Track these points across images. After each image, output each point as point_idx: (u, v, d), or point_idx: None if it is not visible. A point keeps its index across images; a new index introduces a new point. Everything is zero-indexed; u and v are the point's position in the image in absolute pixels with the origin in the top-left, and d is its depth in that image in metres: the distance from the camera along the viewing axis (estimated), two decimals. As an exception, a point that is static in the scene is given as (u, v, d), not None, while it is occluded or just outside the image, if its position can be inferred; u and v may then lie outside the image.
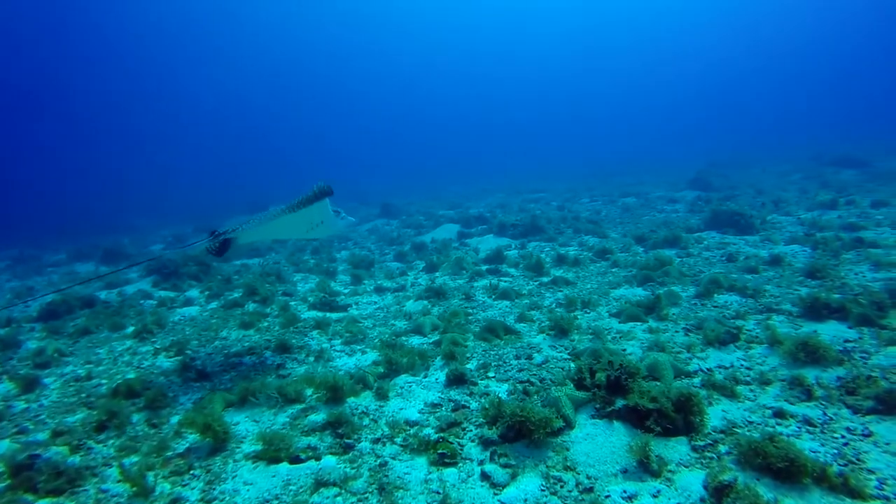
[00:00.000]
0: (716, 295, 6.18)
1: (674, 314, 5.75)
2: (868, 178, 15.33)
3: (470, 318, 6.47)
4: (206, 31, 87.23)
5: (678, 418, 3.45)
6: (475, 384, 4.51)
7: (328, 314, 7.34)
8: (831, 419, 3.51)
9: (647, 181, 21.54)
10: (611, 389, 3.86)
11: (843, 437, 3.30)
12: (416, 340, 5.93)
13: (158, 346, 6.51)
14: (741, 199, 14.27)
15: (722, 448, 3.27)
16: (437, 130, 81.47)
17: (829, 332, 4.88)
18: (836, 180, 15.38)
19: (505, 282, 8.23)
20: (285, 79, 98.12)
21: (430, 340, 5.83)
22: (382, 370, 4.93)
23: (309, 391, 4.59)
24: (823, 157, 19.98)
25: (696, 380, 4.27)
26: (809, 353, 4.26)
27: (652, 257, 7.90)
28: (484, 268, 9.34)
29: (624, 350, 4.96)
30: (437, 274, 9.62)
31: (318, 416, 4.14)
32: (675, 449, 3.30)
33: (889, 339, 4.51)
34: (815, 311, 5.22)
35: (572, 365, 4.57)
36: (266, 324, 7.07)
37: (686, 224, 11.09)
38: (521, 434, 3.47)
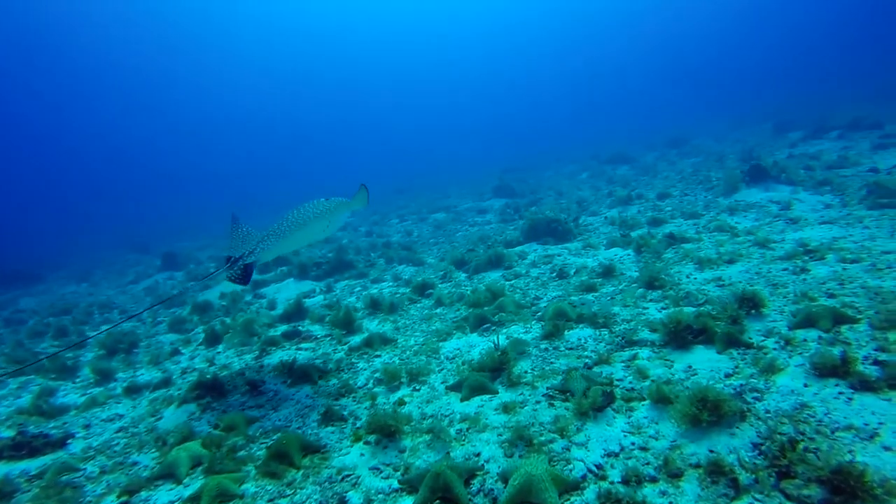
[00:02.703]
0: (566, 331, 5.06)
1: (527, 372, 4.41)
2: (639, 171, 16.80)
3: (253, 433, 4.35)
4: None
5: None
6: None
7: (22, 464, 4.52)
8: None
9: (452, 193, 21.26)
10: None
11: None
12: (163, 499, 3.63)
13: None
14: (545, 201, 14.36)
15: None
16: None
17: (703, 364, 3.98)
18: (617, 176, 16.54)
19: (305, 351, 6.23)
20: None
21: (187, 494, 3.59)
22: None
23: None
24: (601, 155, 21.90)
25: (589, 493, 2.88)
26: (712, 411, 3.18)
27: (481, 290, 6.65)
28: (280, 330, 7.21)
29: (478, 457, 3.40)
30: (220, 348, 7.20)
31: None
32: None
33: (766, 365, 3.70)
34: (679, 337, 4.33)
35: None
36: None
37: (504, 237, 10.34)
38: None
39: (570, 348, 4.74)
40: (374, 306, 7.38)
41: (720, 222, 7.84)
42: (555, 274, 7.21)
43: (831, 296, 4.64)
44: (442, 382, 4.61)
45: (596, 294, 6.04)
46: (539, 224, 9.27)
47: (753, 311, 4.53)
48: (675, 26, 78.84)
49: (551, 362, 4.53)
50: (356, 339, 6.23)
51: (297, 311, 7.95)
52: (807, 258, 5.72)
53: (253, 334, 7.34)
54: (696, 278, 5.85)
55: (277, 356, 6.26)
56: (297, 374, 5.33)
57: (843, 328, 4.01)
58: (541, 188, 17.16)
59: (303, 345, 6.54)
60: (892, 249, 5.59)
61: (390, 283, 8.98)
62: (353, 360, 5.63)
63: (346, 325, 6.66)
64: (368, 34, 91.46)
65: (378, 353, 5.68)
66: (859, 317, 4.12)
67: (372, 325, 6.77)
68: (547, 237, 9.14)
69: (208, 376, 5.58)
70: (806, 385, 3.38)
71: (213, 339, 7.56)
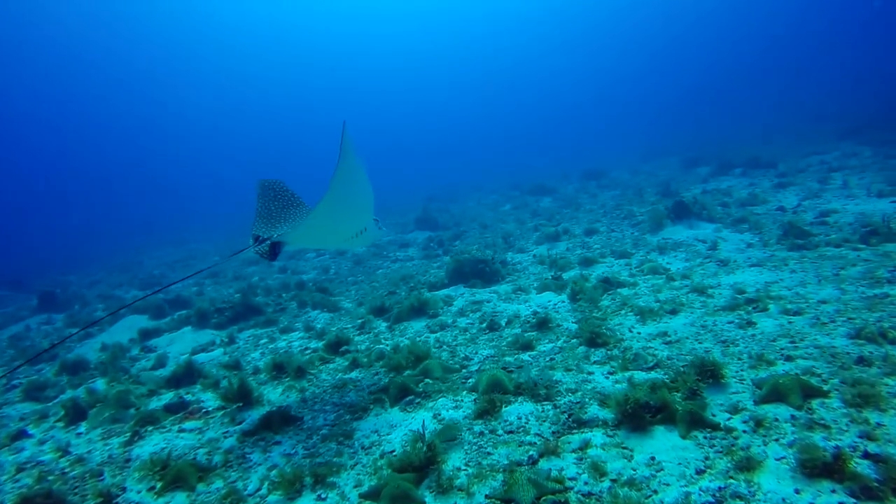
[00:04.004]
0: (503, 407, 4.28)
1: (460, 470, 3.56)
2: (562, 204, 16.80)
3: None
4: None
5: None
6: None
7: None
8: None
9: (374, 223, 20.27)
10: None
11: None
12: None
13: None
14: (470, 235, 13.81)
15: None
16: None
17: (668, 454, 3.34)
18: (541, 208, 16.41)
19: (188, 434, 5.02)
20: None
21: None
22: None
23: None
24: (522, 185, 21.93)
25: None
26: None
27: (403, 348, 5.78)
28: (165, 400, 5.93)
29: None
30: (84, 427, 5.78)
31: None
32: None
33: (743, 459, 3.10)
34: (635, 417, 3.68)
35: None
36: None
37: (428, 278, 9.55)
38: None
39: (510, 431, 3.96)
40: (279, 369, 6.25)
41: (653, 264, 7.53)
42: (485, 325, 6.48)
43: (788, 358, 4.23)
44: (355, 486, 3.64)
45: (533, 353, 5.35)
46: (465, 265, 8.58)
47: (711, 380, 4.00)
48: (588, 64, 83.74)
49: (489, 453, 3.71)
50: (254, 416, 5.11)
51: (186, 374, 6.64)
52: (750, 309, 5.39)
53: (128, 406, 5.97)
54: (640, 333, 5.33)
55: (153, 441, 4.98)
56: (171, 477, 4.12)
57: (815, 403, 3.54)
58: (464, 220, 16.66)
59: (187, 424, 5.29)
60: (826, 298, 5.40)
61: (301, 334, 7.87)
62: (246, 449, 4.50)
63: (244, 394, 5.49)
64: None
65: (278, 437, 4.60)
66: (826, 388, 3.69)
67: (275, 395, 5.66)
68: (474, 279, 8.45)
69: (41, 487, 4.22)
70: (798, 491, 2.80)
71: (75, 415, 6.07)
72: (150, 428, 5.26)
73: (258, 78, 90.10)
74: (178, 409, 5.72)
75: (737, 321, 5.16)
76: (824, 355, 4.18)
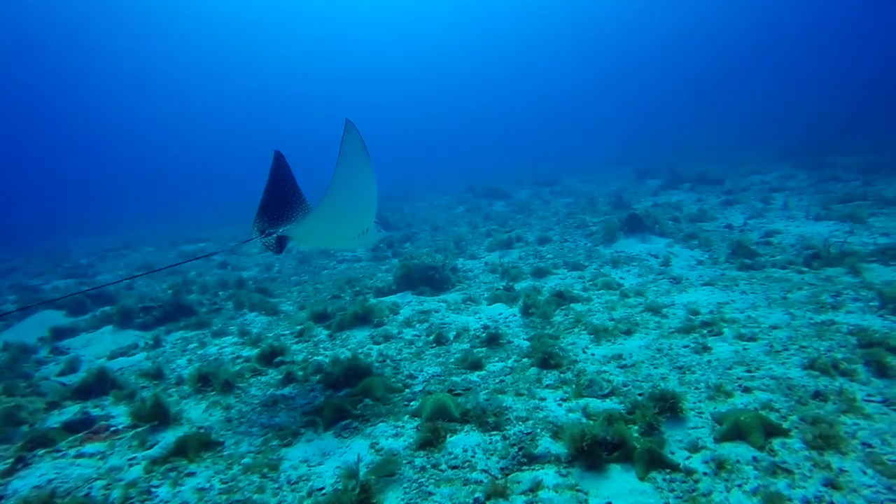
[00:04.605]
0: (448, 437, 3.90)
1: (397, 517, 3.15)
2: (515, 209, 16.66)
3: None
4: None
5: None
6: None
7: None
8: None
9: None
10: None
11: None
12: None
13: None
14: (421, 237, 13.42)
15: None
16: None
17: (625, 499, 3.05)
18: (494, 212, 16.21)
19: (85, 461, 4.35)
20: None
21: None
22: None
23: None
24: (476, 188, 21.72)
25: None
26: None
27: (344, 362, 5.30)
28: (68, 414, 5.20)
29: None
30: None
31: None
32: None
33: None
34: (590, 454, 3.39)
35: None
36: None
37: (375, 282, 9.07)
38: None
39: (455, 466, 3.58)
40: (205, 381, 5.63)
41: (607, 278, 7.37)
42: (432, 338, 6.09)
43: (746, 390, 4.06)
44: (274, 535, 3.17)
45: (482, 374, 5.00)
46: (414, 270, 8.16)
47: (670, 413, 3.77)
48: (549, 74, 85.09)
49: (430, 493, 3.32)
50: (169, 438, 4.50)
51: (98, 383, 5.86)
52: (705, 332, 5.26)
53: (18, 423, 5.19)
54: (594, 354, 5.08)
55: (40, 471, 4.28)
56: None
57: (776, 443, 3.36)
58: (416, 221, 16.24)
59: (88, 448, 4.60)
60: (777, 323, 5.34)
61: (235, 339, 7.23)
62: (153, 482, 3.90)
63: (160, 412, 4.85)
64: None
65: (193, 467, 4.03)
66: (786, 425, 3.52)
67: (196, 412, 5.05)
68: (423, 286, 8.05)
69: None
70: (767, 552, 2.56)
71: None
72: (40, 452, 4.54)
73: (252, 69, 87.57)
74: (81, 427, 4.99)
75: (692, 345, 5.00)
76: (781, 387, 4.04)
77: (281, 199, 4.91)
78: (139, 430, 4.67)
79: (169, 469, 4.01)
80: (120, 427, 4.87)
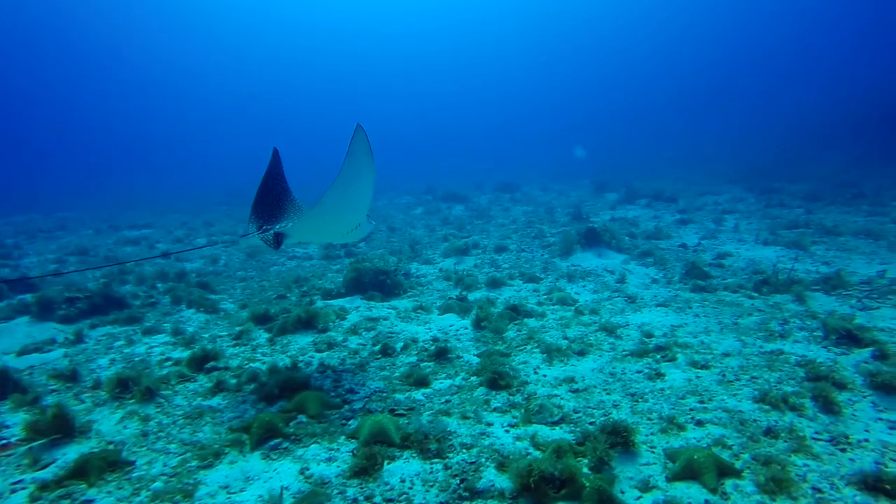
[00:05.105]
0: (385, 464, 3.58)
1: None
2: (474, 214, 16.48)
3: None
4: None
5: None
6: None
7: None
8: None
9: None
10: None
11: None
12: None
13: None
14: (376, 238, 13.02)
15: None
16: None
17: (572, 543, 2.83)
18: (453, 216, 15.97)
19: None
20: None
21: None
22: None
23: None
24: (436, 190, 21.46)
25: None
26: None
27: (281, 374, 4.90)
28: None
29: None
30: None
31: None
32: None
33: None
34: (537, 491, 3.15)
35: None
36: None
37: (324, 283, 8.63)
38: None
39: (390, 499, 3.26)
40: (124, 387, 5.09)
41: (562, 293, 7.22)
42: (378, 348, 5.75)
43: (699, 423, 3.93)
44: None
45: (427, 392, 4.70)
46: (365, 274, 7.79)
47: (621, 447, 3.58)
48: (517, 81, 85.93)
49: (361, 532, 3.00)
50: (69, 456, 3.98)
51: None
52: (658, 357, 5.14)
53: None
54: (545, 376, 4.87)
55: None
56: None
57: (728, 484, 3.21)
58: (373, 219, 15.78)
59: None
60: (729, 350, 5.29)
61: (167, 339, 6.66)
62: (45, 505, 3.40)
63: (60, 427, 4.30)
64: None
65: (92, 493, 3.54)
66: (738, 465, 3.39)
67: (109, 423, 4.53)
68: (374, 291, 7.69)
69: None
70: None
71: None
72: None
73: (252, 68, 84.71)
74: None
75: (646, 370, 4.86)
76: (734, 421, 3.93)
77: (276, 196, 4.92)
78: (34, 444, 4.11)
79: (62, 496, 3.50)
80: (12, 440, 4.30)
